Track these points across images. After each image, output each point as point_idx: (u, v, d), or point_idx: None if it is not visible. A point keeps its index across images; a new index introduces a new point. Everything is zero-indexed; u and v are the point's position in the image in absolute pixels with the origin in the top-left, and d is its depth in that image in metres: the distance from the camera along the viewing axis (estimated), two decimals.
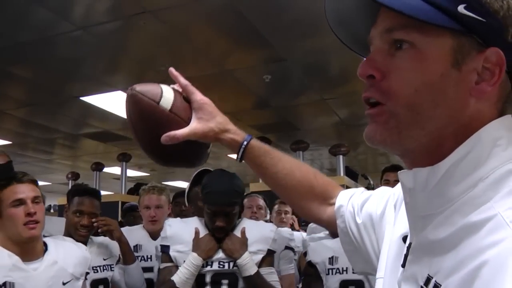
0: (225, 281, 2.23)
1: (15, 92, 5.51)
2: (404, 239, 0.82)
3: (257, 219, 3.36)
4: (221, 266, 2.23)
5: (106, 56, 4.47)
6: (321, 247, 2.79)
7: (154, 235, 3.10)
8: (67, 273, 2.06)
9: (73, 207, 2.61)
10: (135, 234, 3.11)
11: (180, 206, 3.74)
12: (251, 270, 2.20)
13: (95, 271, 2.60)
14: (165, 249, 2.28)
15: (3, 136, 7.45)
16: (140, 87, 1.16)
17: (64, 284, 2.03)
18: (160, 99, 1.13)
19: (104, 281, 2.66)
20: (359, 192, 1.17)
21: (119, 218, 5.19)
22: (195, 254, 2.19)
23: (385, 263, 0.87)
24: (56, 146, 8.48)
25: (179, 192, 3.94)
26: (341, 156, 7.01)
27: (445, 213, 0.68)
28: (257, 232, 2.35)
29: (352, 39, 0.83)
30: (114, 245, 2.83)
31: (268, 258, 2.34)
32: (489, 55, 0.68)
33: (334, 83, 5.29)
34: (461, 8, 0.65)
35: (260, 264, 2.28)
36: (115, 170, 9.75)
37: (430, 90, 0.68)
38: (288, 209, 4.34)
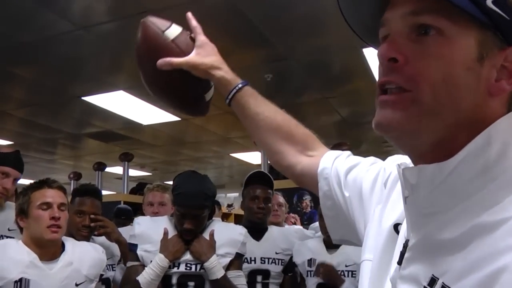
0: (191, 283, 2.23)
1: (17, 92, 5.51)
2: (395, 227, 0.80)
3: (279, 217, 3.38)
4: (188, 268, 2.23)
5: (107, 56, 4.47)
6: (303, 248, 2.82)
7: None
8: (81, 274, 2.10)
9: (75, 207, 2.61)
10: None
11: None
12: (218, 273, 2.19)
13: None
14: (132, 247, 2.28)
15: (5, 136, 7.45)
16: (152, 18, 1.24)
17: (77, 285, 2.07)
18: (166, 30, 1.21)
19: (105, 281, 2.65)
20: (344, 156, 1.14)
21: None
22: (162, 256, 2.18)
23: (375, 247, 0.84)
24: (58, 146, 8.48)
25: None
26: None
27: (452, 211, 0.66)
28: (226, 235, 2.33)
29: (356, 20, 0.79)
30: (115, 245, 2.83)
31: (236, 261, 2.33)
32: (510, 53, 0.67)
33: (335, 81, 5.29)
34: (489, 2, 0.64)
35: (228, 267, 2.27)
36: (117, 169, 9.75)
37: (457, 81, 0.66)
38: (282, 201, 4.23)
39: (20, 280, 1.90)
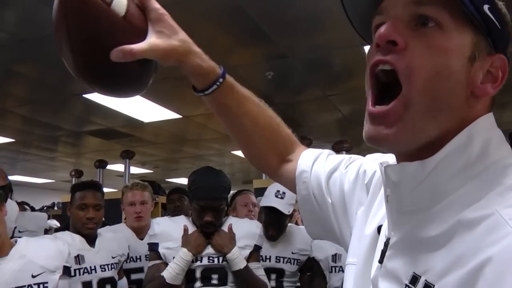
0: (215, 276, 2.26)
1: (18, 90, 5.51)
2: (379, 229, 0.81)
3: (253, 217, 3.34)
4: (211, 261, 2.26)
5: None
6: (324, 244, 2.80)
7: (140, 233, 3.08)
8: (36, 265, 2.04)
9: (76, 202, 2.61)
10: (120, 233, 3.03)
11: (174, 202, 3.72)
12: (241, 264, 2.24)
13: (103, 269, 2.60)
14: (154, 246, 2.31)
15: (6, 134, 7.46)
16: None
17: (34, 276, 2.01)
18: (112, 1, 0.85)
19: (111, 280, 2.64)
20: (323, 157, 1.09)
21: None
22: (185, 250, 2.21)
23: (358, 251, 0.84)
24: (59, 143, 8.48)
25: (173, 189, 3.92)
26: (344, 152, 6.98)
27: (434, 209, 0.66)
28: (244, 228, 2.40)
29: (357, 17, 0.80)
30: (124, 243, 2.82)
31: (255, 253, 2.39)
32: (496, 60, 0.70)
33: (337, 79, 5.28)
34: (486, 8, 0.66)
35: (248, 260, 2.32)
36: (119, 167, 9.75)
37: (450, 76, 0.67)
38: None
39: None
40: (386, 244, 0.73)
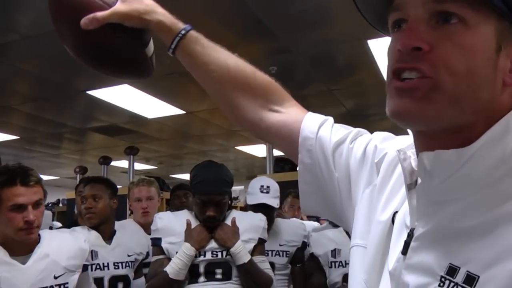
0: (219, 270, 2.24)
1: (22, 87, 5.52)
2: (393, 217, 0.79)
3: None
4: (214, 256, 2.25)
5: None
6: (323, 239, 2.79)
7: (147, 229, 3.08)
8: (59, 266, 1.99)
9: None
10: (129, 229, 3.01)
11: (179, 198, 3.71)
12: (245, 258, 2.22)
13: (116, 267, 2.60)
14: (156, 241, 2.29)
15: (11, 131, 7.48)
16: None
17: (56, 277, 1.97)
18: None
19: (124, 278, 2.63)
20: (329, 125, 1.02)
21: (128, 211, 5.20)
22: (188, 244, 2.20)
23: (371, 236, 0.82)
24: (63, 140, 8.50)
25: (178, 185, 3.91)
26: None
27: (471, 199, 0.64)
28: (247, 221, 2.38)
29: (367, 6, 0.78)
30: (144, 242, 2.80)
31: (260, 246, 2.38)
32: None
33: (340, 74, 5.27)
34: None
35: (252, 253, 2.30)
36: (123, 163, 9.77)
37: (478, 71, 0.65)
38: None
39: None
40: (410, 235, 0.71)
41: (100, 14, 0.99)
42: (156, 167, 11.72)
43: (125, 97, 5.79)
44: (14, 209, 1.84)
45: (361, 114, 6.75)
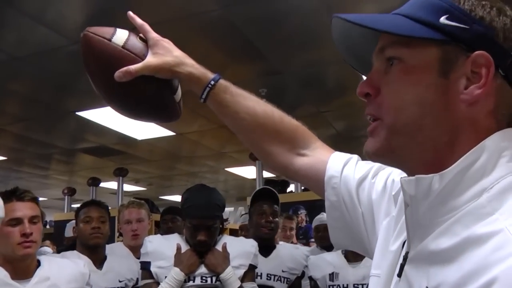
0: None
1: (11, 107, 5.50)
2: (403, 244, 0.81)
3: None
4: (204, 281, 2.22)
5: None
6: (321, 262, 2.79)
7: (136, 252, 3.05)
8: None
9: (81, 217, 2.64)
10: (119, 253, 3.00)
11: (167, 223, 3.68)
12: (234, 284, 2.20)
13: None
14: (145, 265, 2.27)
15: None
16: (93, 28, 1.12)
17: None
18: (112, 37, 1.09)
19: None
20: (353, 163, 1.08)
21: (116, 233, 5.15)
22: (177, 269, 2.17)
23: (383, 264, 0.85)
24: (52, 161, 8.45)
25: (166, 209, 3.88)
26: None
27: (447, 222, 0.67)
28: (238, 247, 2.35)
29: (361, 64, 0.87)
30: (134, 267, 2.78)
31: (250, 273, 2.35)
32: (476, 59, 0.68)
33: (330, 95, 5.30)
34: (443, 20, 0.69)
35: (242, 279, 2.28)
36: (112, 185, 9.71)
37: (418, 100, 0.71)
38: (293, 225, 4.35)
39: None
40: (405, 258, 0.74)
41: (133, 67, 1.04)
42: (145, 189, 11.66)
43: (115, 118, 5.76)
44: (11, 224, 1.92)
45: (351, 136, 6.77)
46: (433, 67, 0.70)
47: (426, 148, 0.71)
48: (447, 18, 0.68)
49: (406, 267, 0.73)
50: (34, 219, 1.99)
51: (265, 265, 2.76)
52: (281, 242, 3.09)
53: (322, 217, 3.44)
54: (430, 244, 0.68)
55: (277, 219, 2.87)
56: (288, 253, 2.91)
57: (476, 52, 0.68)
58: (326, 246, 3.25)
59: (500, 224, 0.60)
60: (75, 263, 2.21)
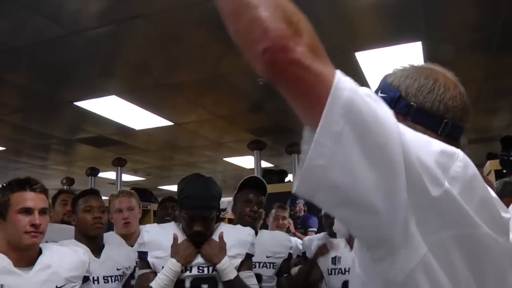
0: (204, 286, 2.22)
1: (9, 98, 5.49)
2: None
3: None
4: (201, 271, 2.23)
5: (99, 61, 4.46)
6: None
7: (129, 239, 3.07)
8: (60, 277, 2.05)
9: (81, 207, 2.64)
10: (114, 242, 3.00)
11: (166, 209, 3.72)
12: (231, 274, 2.20)
13: (106, 280, 2.60)
14: (143, 255, 2.27)
15: None
16: None
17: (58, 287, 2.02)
18: None
19: None
20: None
21: None
22: (173, 260, 2.17)
23: None
24: (50, 151, 8.44)
25: (167, 197, 3.92)
26: None
27: None
28: (235, 236, 2.35)
29: None
30: (132, 256, 2.80)
31: (247, 262, 2.35)
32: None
33: None
34: (379, 94, 1.03)
35: (239, 268, 2.28)
36: (110, 175, 9.72)
37: None
38: (286, 214, 4.36)
39: None
40: None
41: None
42: (144, 179, 11.67)
43: (113, 108, 5.77)
44: (22, 212, 1.96)
45: None
46: None
47: None
48: (380, 93, 1.05)
49: None
50: (44, 211, 2.03)
51: None
52: (264, 230, 3.10)
53: None
54: None
55: (261, 210, 2.87)
56: (270, 238, 2.93)
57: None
58: (335, 232, 3.29)
59: None
60: (75, 251, 2.22)
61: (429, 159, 0.76)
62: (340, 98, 0.72)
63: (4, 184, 2.07)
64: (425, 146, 0.79)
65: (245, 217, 2.80)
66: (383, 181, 0.71)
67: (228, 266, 2.20)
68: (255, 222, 2.85)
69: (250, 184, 2.90)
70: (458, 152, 0.82)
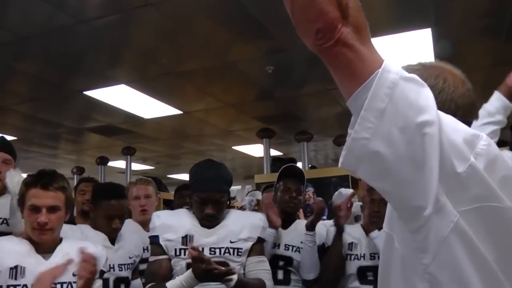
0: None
1: (19, 87, 5.52)
2: None
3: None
4: (212, 253, 2.21)
5: (108, 50, 4.46)
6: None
7: (146, 226, 3.08)
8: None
9: (102, 211, 2.62)
10: (129, 229, 2.99)
11: (184, 198, 3.75)
12: (231, 283, 2.06)
13: (120, 268, 2.61)
14: (154, 239, 2.27)
15: (7, 131, 7.46)
16: None
17: (74, 275, 2.02)
18: None
19: (126, 279, 2.65)
20: None
21: None
22: (193, 275, 2.06)
23: None
24: (60, 140, 8.49)
25: (183, 185, 3.94)
26: None
27: None
28: (247, 220, 2.37)
29: None
30: (140, 244, 2.85)
31: (258, 246, 2.34)
32: None
33: None
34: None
35: (249, 253, 2.28)
36: (120, 164, 9.77)
37: None
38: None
39: (16, 267, 1.91)
40: None
41: None
42: (153, 167, 11.72)
43: (122, 97, 5.78)
44: (31, 209, 2.00)
45: None
46: None
47: None
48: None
49: None
50: (53, 208, 2.02)
51: (283, 236, 2.87)
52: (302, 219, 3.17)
53: (347, 192, 3.43)
54: None
55: (300, 197, 2.95)
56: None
57: None
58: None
59: None
60: (95, 247, 2.21)
61: (458, 137, 0.86)
62: (386, 79, 0.83)
63: (27, 176, 2.10)
64: (455, 126, 0.90)
65: (286, 203, 2.90)
66: (417, 155, 0.80)
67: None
68: (295, 208, 2.96)
69: (289, 173, 2.97)
70: (483, 133, 0.92)
